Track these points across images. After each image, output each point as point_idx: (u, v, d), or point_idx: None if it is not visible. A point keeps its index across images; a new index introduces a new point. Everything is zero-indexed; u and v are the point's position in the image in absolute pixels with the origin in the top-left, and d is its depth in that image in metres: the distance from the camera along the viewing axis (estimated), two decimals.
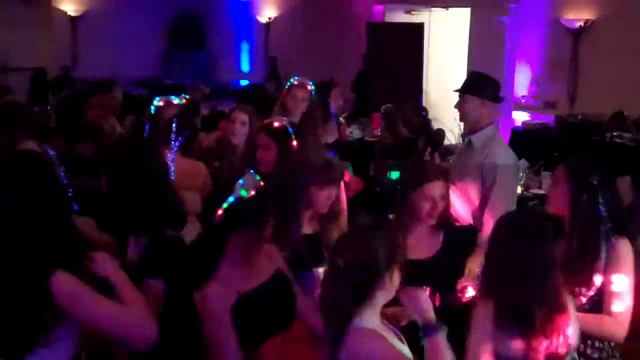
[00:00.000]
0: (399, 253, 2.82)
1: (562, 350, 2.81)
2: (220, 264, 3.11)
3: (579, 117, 10.42)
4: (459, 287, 3.49)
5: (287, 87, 5.74)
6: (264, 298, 3.05)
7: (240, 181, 3.13)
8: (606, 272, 3.23)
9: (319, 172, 3.52)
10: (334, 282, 2.72)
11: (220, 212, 3.11)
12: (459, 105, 4.61)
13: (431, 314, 2.85)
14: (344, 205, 4.70)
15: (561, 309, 2.84)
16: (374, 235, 2.80)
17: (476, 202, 4.43)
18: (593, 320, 3.20)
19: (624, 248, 3.25)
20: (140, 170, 3.34)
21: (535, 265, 2.80)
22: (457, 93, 4.66)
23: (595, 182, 3.24)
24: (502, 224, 3.02)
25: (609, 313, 3.21)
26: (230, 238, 3.10)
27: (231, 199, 3.09)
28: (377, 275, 2.69)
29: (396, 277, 2.76)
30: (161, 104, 5.41)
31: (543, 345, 2.80)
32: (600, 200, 3.22)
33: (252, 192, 3.10)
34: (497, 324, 2.83)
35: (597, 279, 3.23)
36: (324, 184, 3.53)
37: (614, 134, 9.66)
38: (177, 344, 3.15)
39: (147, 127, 5.28)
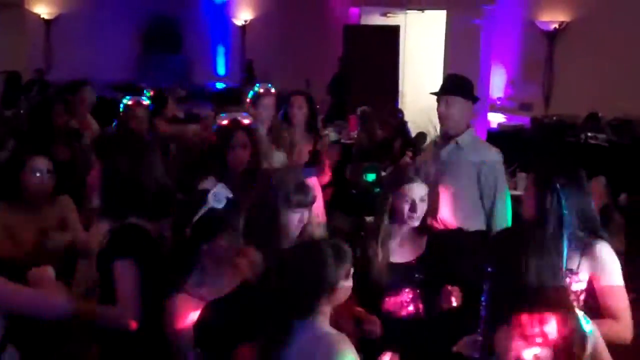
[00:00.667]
0: (347, 256, 2.80)
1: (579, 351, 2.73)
2: (191, 274, 3.14)
3: (554, 118, 10.49)
4: (444, 292, 3.46)
5: (250, 96, 5.58)
6: (227, 309, 3.03)
7: (212, 193, 3.14)
8: (592, 277, 3.22)
9: (291, 195, 3.41)
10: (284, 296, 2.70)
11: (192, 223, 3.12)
12: (444, 108, 4.56)
13: None
14: (322, 212, 4.67)
15: (571, 310, 2.76)
16: (320, 244, 2.81)
17: (472, 203, 4.50)
18: (604, 326, 3.10)
19: (604, 251, 3.23)
20: (137, 163, 3.47)
21: (551, 274, 2.69)
22: (435, 95, 4.65)
23: (558, 186, 3.23)
24: (507, 239, 2.90)
25: (614, 318, 3.18)
26: (202, 249, 3.11)
27: (203, 210, 3.10)
28: (329, 284, 2.70)
29: (349, 280, 2.78)
30: (130, 103, 5.39)
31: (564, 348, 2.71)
32: (564, 203, 3.21)
33: (224, 204, 3.11)
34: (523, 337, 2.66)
35: (579, 285, 3.23)
36: (296, 207, 3.42)
37: (589, 135, 9.74)
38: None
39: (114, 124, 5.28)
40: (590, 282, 3.25)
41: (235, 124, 4.33)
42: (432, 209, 4.47)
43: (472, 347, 3.19)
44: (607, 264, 3.22)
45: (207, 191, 3.17)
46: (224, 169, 4.19)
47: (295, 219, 3.43)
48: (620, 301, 3.21)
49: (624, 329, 3.20)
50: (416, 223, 3.63)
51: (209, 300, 3.06)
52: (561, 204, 3.21)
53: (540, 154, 8.63)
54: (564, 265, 3.17)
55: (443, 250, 3.63)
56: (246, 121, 4.37)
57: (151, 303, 3.23)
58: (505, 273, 2.70)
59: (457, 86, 4.61)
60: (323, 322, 2.72)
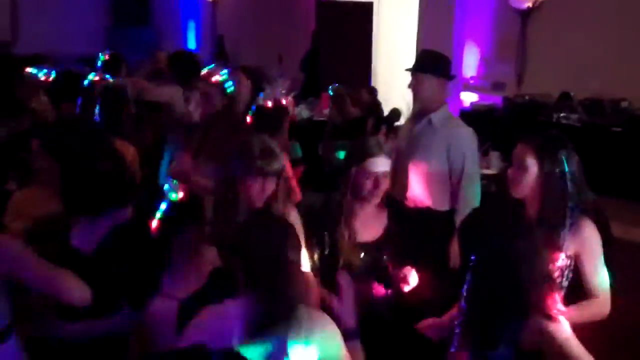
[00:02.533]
0: (299, 236, 2.65)
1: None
2: (164, 274, 3.02)
3: (527, 97, 10.50)
4: (400, 275, 3.36)
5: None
6: (203, 301, 2.88)
7: (166, 186, 3.05)
8: (577, 254, 3.17)
9: (252, 162, 3.23)
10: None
11: (155, 222, 2.99)
12: (414, 85, 4.54)
13: (352, 321, 2.78)
14: (296, 188, 4.57)
15: (554, 286, 2.75)
16: (272, 222, 2.66)
17: (441, 180, 4.47)
18: (585, 307, 3.14)
19: (589, 228, 3.17)
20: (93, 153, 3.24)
21: (533, 253, 2.59)
22: (408, 72, 4.60)
23: (563, 157, 3.15)
24: (485, 221, 2.73)
25: (595, 295, 3.16)
26: (171, 244, 2.99)
27: (164, 206, 2.99)
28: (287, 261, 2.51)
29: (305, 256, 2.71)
30: (96, 79, 5.28)
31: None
32: (569, 175, 3.13)
33: (181, 195, 3.01)
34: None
35: (565, 262, 3.18)
36: (256, 175, 3.23)
37: (561, 114, 9.77)
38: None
39: (79, 102, 5.13)
40: (574, 259, 3.19)
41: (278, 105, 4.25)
42: (402, 185, 4.44)
43: (438, 332, 3.14)
44: (592, 243, 3.18)
45: (162, 186, 3.08)
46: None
47: (255, 188, 3.24)
48: (603, 281, 3.18)
49: (603, 304, 3.17)
50: (377, 200, 3.54)
51: (183, 297, 2.94)
52: (566, 177, 3.14)
53: (514, 132, 8.63)
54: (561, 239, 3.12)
55: (410, 230, 3.55)
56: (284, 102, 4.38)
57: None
58: (491, 260, 2.56)
59: (427, 63, 4.57)
60: None
